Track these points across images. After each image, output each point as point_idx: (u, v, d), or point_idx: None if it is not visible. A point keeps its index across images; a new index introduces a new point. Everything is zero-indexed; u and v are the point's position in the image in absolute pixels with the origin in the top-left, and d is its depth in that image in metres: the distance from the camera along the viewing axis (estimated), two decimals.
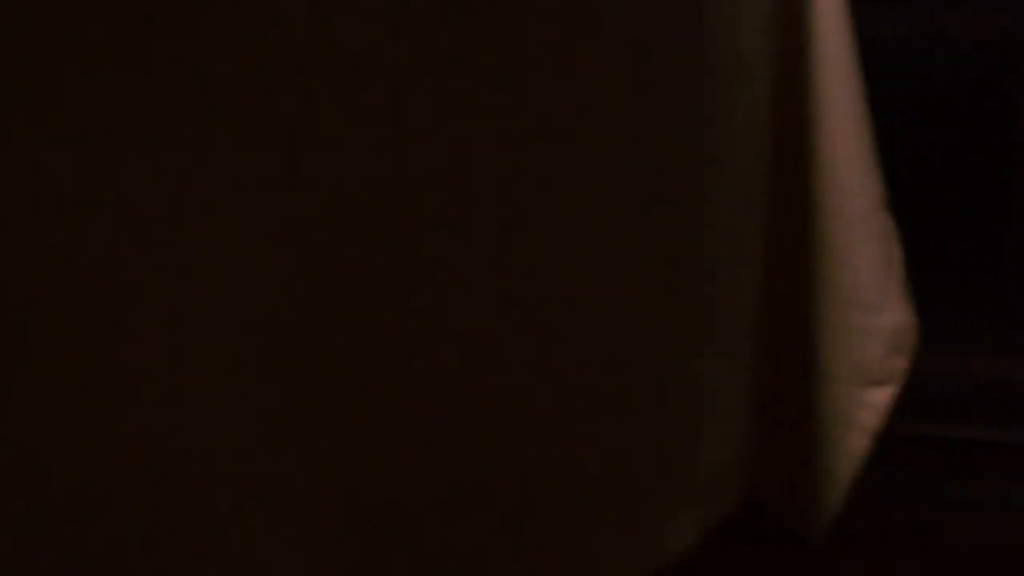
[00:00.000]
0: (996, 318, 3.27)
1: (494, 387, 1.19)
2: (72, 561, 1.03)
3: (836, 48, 1.49)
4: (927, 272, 3.38)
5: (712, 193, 1.36)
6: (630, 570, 1.34)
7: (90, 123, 0.96)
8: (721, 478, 1.45)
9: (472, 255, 1.12)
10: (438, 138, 1.07)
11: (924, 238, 3.38)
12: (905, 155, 3.40)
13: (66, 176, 0.96)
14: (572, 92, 1.17)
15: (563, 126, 1.17)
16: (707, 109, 1.33)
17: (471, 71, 1.10)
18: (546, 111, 1.15)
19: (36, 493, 1.01)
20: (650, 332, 1.32)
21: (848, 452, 1.59)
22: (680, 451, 1.36)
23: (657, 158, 1.28)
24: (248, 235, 1.00)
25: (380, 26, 1.03)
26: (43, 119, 0.94)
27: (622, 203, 1.26)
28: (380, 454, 1.14)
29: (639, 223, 1.28)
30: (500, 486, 1.24)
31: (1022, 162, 3.25)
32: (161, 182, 0.97)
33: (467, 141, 1.10)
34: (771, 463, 1.61)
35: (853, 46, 1.54)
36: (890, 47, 3.33)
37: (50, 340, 0.99)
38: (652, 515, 1.35)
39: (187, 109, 0.97)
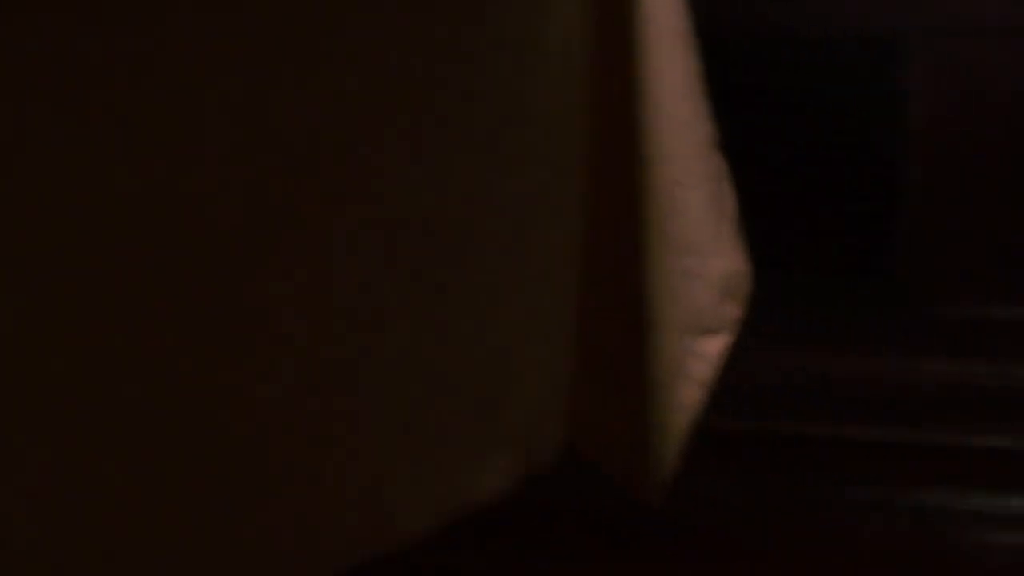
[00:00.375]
0: (887, 316, 3.22)
1: (279, 326, 1.13)
2: None
3: None
4: (818, 271, 3.35)
5: (514, 138, 1.31)
6: (429, 513, 1.28)
7: None
8: (535, 426, 1.38)
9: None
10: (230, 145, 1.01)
11: (815, 236, 3.34)
12: (795, 152, 3.36)
13: None
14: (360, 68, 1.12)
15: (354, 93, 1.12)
16: (511, 49, 1.28)
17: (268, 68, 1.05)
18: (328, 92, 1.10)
19: None
20: (451, 281, 1.26)
21: (681, 405, 1.54)
22: (484, 396, 1.30)
23: (455, 102, 1.23)
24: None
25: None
26: None
27: (427, 157, 1.21)
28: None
29: (439, 176, 1.22)
30: (291, 428, 1.17)
31: (914, 158, 3.22)
32: None
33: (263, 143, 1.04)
34: (601, 415, 1.55)
35: None
36: (782, 41, 3.30)
37: None
38: (451, 458, 1.28)
39: None
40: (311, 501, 1.19)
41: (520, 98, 1.32)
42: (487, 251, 1.32)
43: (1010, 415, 3.17)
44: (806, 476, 3.20)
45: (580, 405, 1.53)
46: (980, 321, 3.21)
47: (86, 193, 0.94)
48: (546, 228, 1.38)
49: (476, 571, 3.08)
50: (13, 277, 0.90)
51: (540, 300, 1.39)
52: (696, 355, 1.53)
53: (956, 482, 3.15)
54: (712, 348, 1.53)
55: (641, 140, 1.45)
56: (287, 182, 1.07)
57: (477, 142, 1.27)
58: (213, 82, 1.00)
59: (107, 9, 0.91)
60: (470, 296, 1.31)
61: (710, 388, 1.55)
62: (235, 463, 1.12)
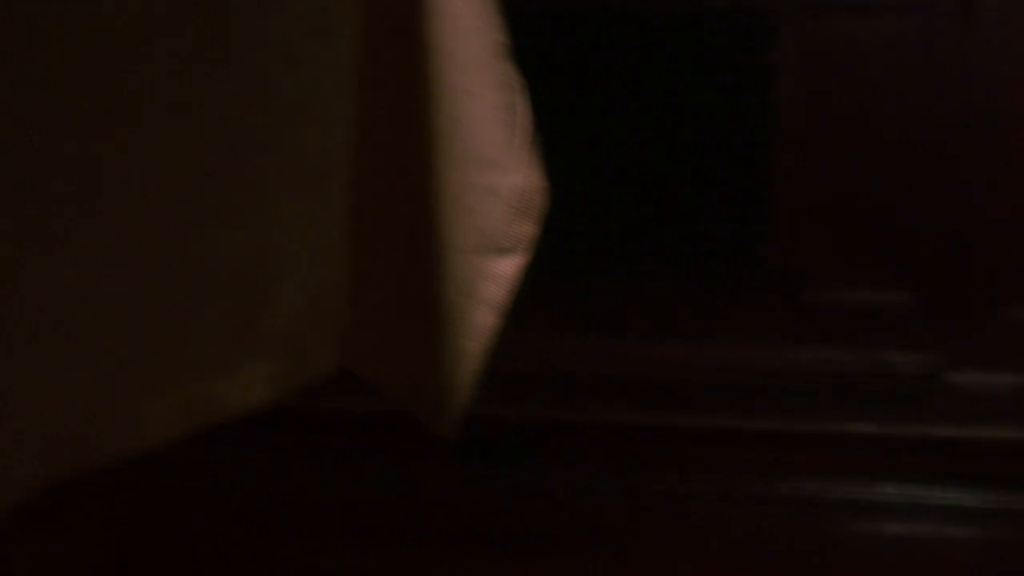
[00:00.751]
0: (756, 304, 3.17)
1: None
2: None
3: None
4: (685, 259, 3.29)
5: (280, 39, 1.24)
6: (177, 420, 1.20)
7: None
8: (300, 338, 1.31)
9: None
10: None
11: (680, 222, 3.28)
12: (658, 136, 3.31)
13: None
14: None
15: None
16: None
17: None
18: None
19: None
20: (206, 192, 1.19)
21: (474, 329, 1.46)
22: (238, 308, 1.23)
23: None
24: None
25: None
26: None
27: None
28: None
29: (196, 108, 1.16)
30: (22, 335, 1.10)
31: (782, 140, 3.17)
32: None
33: None
34: (388, 339, 1.48)
35: None
36: (642, 18, 3.25)
37: None
38: (201, 366, 1.21)
39: None
40: (37, 409, 1.12)
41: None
42: (245, 164, 1.26)
43: (878, 401, 3.12)
44: (675, 467, 3.14)
45: (364, 326, 1.45)
46: (849, 307, 3.16)
47: None
48: (308, 141, 1.31)
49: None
50: None
51: (304, 212, 1.32)
52: (489, 276, 1.46)
53: (826, 471, 3.10)
54: (505, 269, 1.46)
55: (422, 44, 1.38)
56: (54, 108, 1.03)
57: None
58: None
59: None
60: (226, 206, 1.24)
61: (503, 311, 1.47)
62: None
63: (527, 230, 1.47)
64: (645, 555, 3.00)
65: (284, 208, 1.31)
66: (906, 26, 3.08)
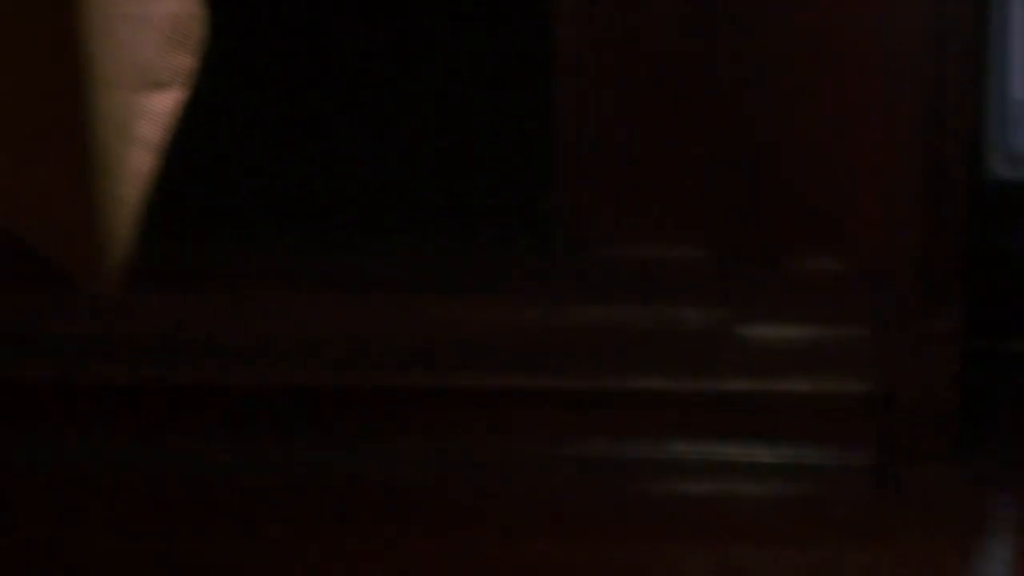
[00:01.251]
0: (541, 261, 3.09)
1: None
2: None
3: None
4: (463, 215, 3.21)
5: None
6: None
7: None
8: None
9: None
10: None
11: (458, 176, 3.20)
12: (432, 88, 3.23)
13: None
14: None
15: None
16: None
17: None
18: None
19: None
20: None
21: (130, 173, 1.35)
22: None
23: None
24: None
25: None
26: None
27: None
28: None
29: None
30: None
31: (562, 89, 3.09)
32: None
33: None
34: (36, 186, 1.36)
35: None
36: None
37: None
38: None
39: None
40: None
41: None
42: None
43: (667, 357, 3.05)
44: (459, 430, 3.04)
45: (7, 172, 1.34)
46: (635, 262, 3.09)
47: None
48: None
49: None
50: None
51: None
52: (143, 114, 1.35)
53: (615, 430, 3.02)
54: (162, 104, 1.35)
55: None
56: None
57: None
58: None
59: None
60: None
61: (161, 151, 1.36)
62: None
63: (184, 62, 1.36)
64: (432, 522, 2.89)
65: None
66: None
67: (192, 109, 1.45)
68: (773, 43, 3.03)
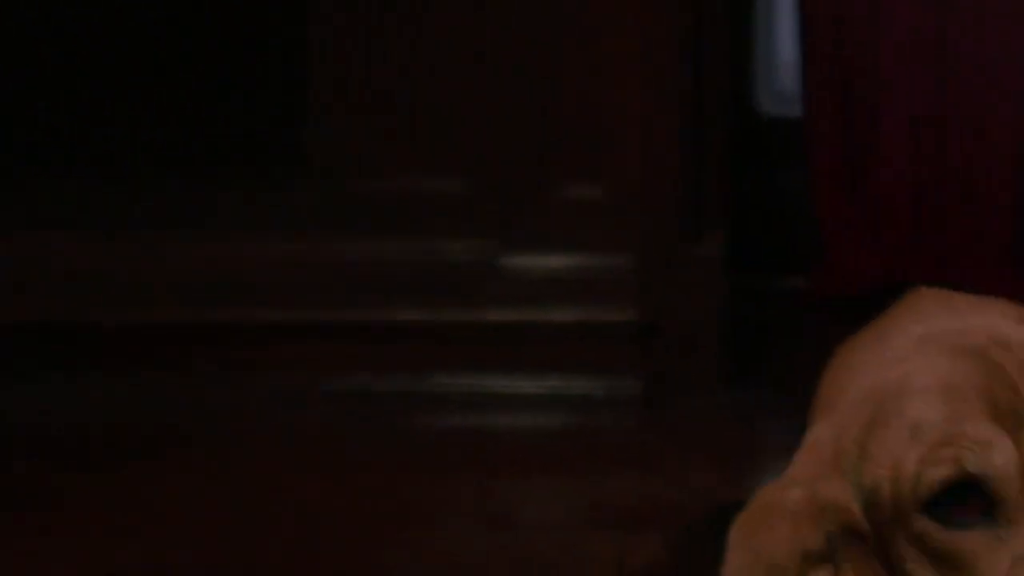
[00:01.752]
0: (300, 196, 3.02)
1: None
2: None
3: None
4: (223, 150, 3.13)
5: None
6: None
7: None
8: None
9: None
10: None
11: (216, 110, 3.12)
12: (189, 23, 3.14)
13: None
14: None
15: None
16: None
17: None
18: None
19: None
20: None
21: None
22: None
23: None
24: None
25: None
26: None
27: None
28: None
29: None
30: None
31: (314, 18, 3.03)
32: None
33: None
34: None
35: None
36: None
37: None
38: None
39: None
40: None
41: None
42: None
43: (431, 290, 3.00)
44: (228, 366, 2.96)
45: None
46: (397, 195, 3.04)
47: None
48: None
49: None
50: None
51: None
52: None
53: (379, 363, 2.97)
54: None
55: None
56: None
57: None
58: None
59: None
60: None
61: None
62: None
63: None
64: (190, 459, 2.81)
65: None
66: None
67: None
68: None
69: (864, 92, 3.35)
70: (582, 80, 2.99)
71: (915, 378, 0.96)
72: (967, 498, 0.94)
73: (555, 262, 2.99)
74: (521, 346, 2.97)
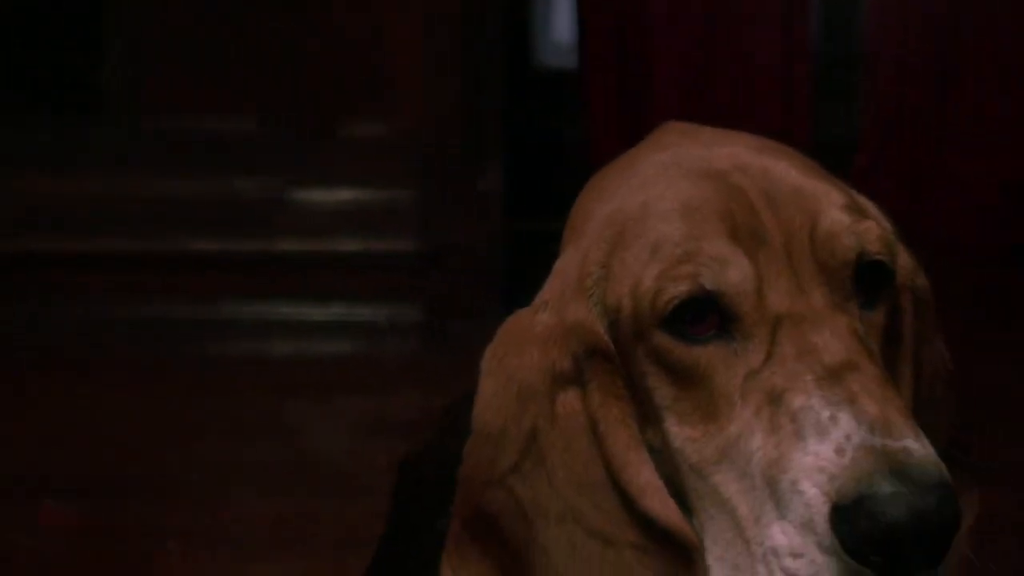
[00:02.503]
0: (97, 133, 2.93)
1: None
2: None
3: None
4: (23, 87, 3.01)
5: None
6: None
7: None
8: None
9: None
10: None
11: (13, 49, 3.00)
12: None
13: None
14: None
15: None
16: None
17: None
18: None
19: None
20: None
21: None
22: None
23: None
24: None
25: None
26: None
27: None
28: None
29: None
30: None
31: None
32: None
33: None
34: None
35: None
36: None
37: None
38: None
39: None
40: None
41: None
42: None
43: (222, 223, 2.93)
44: (26, 294, 2.85)
45: None
46: (193, 133, 2.97)
47: None
48: None
49: None
50: None
51: None
52: None
53: (173, 292, 2.90)
54: None
55: None
56: None
57: None
58: None
59: None
60: None
61: None
62: None
63: None
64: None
65: None
66: None
67: None
68: None
69: (637, 41, 3.34)
70: (365, 26, 3.01)
71: (657, 201, 0.94)
72: (705, 314, 0.91)
73: (341, 196, 2.99)
74: (309, 275, 2.92)
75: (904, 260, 0.99)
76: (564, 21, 3.62)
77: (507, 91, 3.14)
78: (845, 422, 0.85)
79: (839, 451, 0.84)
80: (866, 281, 0.93)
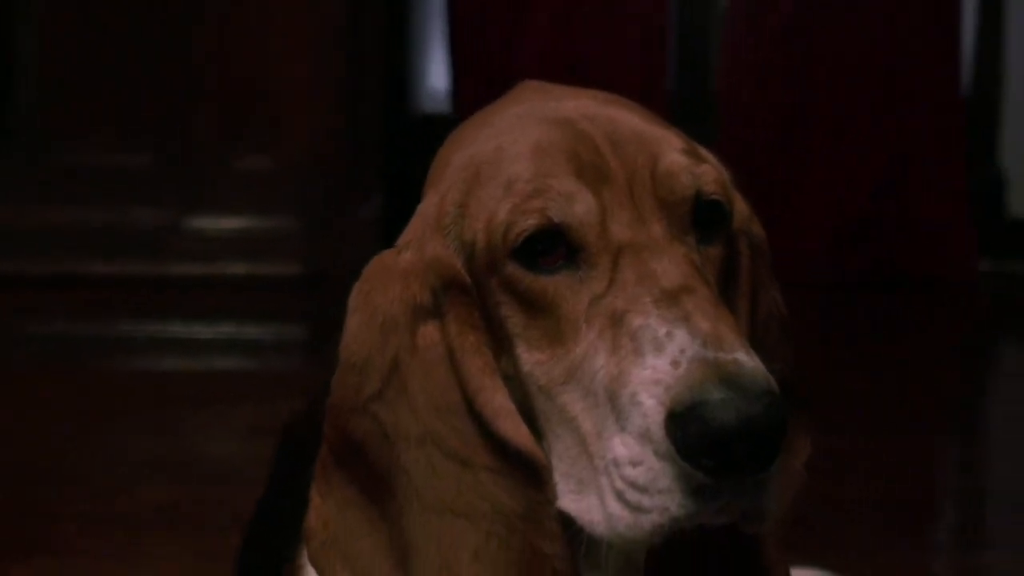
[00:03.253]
0: (5, 167, 2.89)
1: None
2: None
3: None
4: None
5: None
6: None
7: None
8: None
9: None
10: None
11: None
12: None
13: None
14: None
15: None
16: None
17: None
18: None
19: None
20: None
21: None
22: None
23: None
24: None
25: None
26: None
27: None
28: None
29: None
30: None
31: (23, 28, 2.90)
32: None
33: None
34: None
35: None
36: None
37: None
38: None
39: None
40: None
41: None
42: None
43: (121, 251, 2.90)
44: None
45: None
46: (95, 167, 2.95)
47: None
48: None
49: None
50: None
51: None
52: None
53: (74, 311, 2.86)
54: None
55: None
56: None
57: None
58: None
59: None
60: None
61: None
62: None
63: None
64: None
65: None
66: None
67: None
68: None
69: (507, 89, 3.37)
70: (253, 66, 3.01)
71: (510, 145, 0.95)
72: (553, 247, 0.91)
73: (231, 224, 2.97)
74: (200, 297, 2.90)
75: (740, 206, 1.00)
76: (439, 71, 3.65)
77: (386, 131, 3.17)
78: (680, 338, 0.85)
79: (674, 364, 0.84)
80: (704, 220, 0.93)
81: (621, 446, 0.86)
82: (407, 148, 3.48)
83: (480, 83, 3.33)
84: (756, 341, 0.98)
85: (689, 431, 0.82)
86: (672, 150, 0.94)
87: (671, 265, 0.89)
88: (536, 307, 0.92)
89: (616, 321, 0.88)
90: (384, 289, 0.96)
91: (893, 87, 3.58)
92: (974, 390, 2.99)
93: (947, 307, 3.55)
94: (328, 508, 0.97)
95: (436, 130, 3.41)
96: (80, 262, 2.92)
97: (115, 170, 2.98)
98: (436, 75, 3.68)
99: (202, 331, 2.93)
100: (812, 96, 3.55)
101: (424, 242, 0.95)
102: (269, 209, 2.99)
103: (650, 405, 0.84)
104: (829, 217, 3.55)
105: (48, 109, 3.00)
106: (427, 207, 0.97)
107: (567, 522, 0.91)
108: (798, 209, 3.52)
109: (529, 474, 0.92)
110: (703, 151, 0.99)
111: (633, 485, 0.85)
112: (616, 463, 0.86)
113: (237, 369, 2.90)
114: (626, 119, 0.95)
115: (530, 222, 0.90)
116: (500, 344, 0.94)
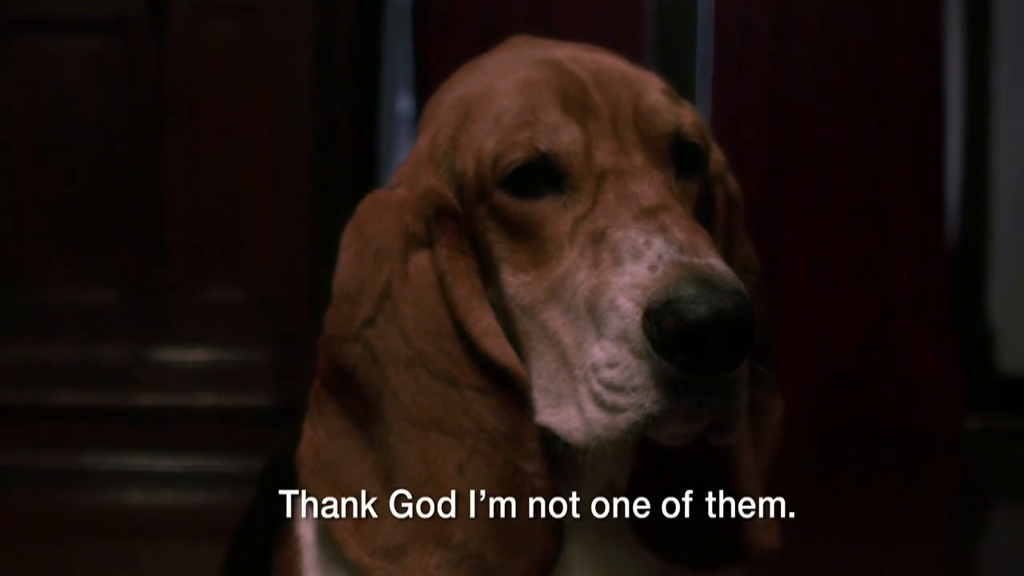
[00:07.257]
0: None
1: None
2: None
3: None
4: None
5: None
6: None
7: None
8: None
9: None
10: None
11: None
12: None
13: None
14: None
15: None
16: None
17: None
18: None
19: None
20: None
21: None
22: None
23: None
24: None
25: None
26: None
27: None
28: None
29: None
30: None
31: None
32: None
33: None
34: None
35: None
36: None
37: None
38: None
39: None
40: None
41: None
42: None
43: (87, 384, 3.01)
44: None
45: None
46: (59, 304, 3.08)
47: None
48: None
49: None
50: None
51: None
52: None
53: (39, 442, 2.94)
54: None
55: None
56: None
57: None
58: None
59: None
60: None
61: None
62: None
63: None
64: None
65: None
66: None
67: None
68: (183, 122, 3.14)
69: None
70: (222, 201, 3.12)
71: (500, 83, 1.05)
72: (540, 177, 1.03)
73: (200, 355, 3.06)
74: (167, 428, 2.98)
75: (717, 155, 1.09)
76: None
77: None
78: (658, 245, 0.93)
79: (652, 268, 0.93)
80: (682, 159, 1.03)
81: (599, 351, 0.94)
82: None
83: None
84: None
85: (664, 325, 0.91)
86: (654, 90, 1.04)
87: (650, 188, 0.98)
88: (522, 232, 1.01)
89: (597, 238, 0.97)
90: (378, 220, 1.04)
91: (878, 240, 3.69)
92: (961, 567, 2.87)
93: (935, 462, 3.55)
94: (319, 437, 1.07)
95: None
96: (45, 394, 3.01)
97: (81, 307, 3.10)
98: None
99: (167, 464, 3.00)
100: (794, 248, 3.66)
101: (417, 176, 1.06)
102: (237, 340, 3.08)
103: (628, 307, 0.93)
104: (813, 370, 3.64)
105: (10, 247, 3.13)
106: (420, 145, 1.08)
107: (548, 441, 0.99)
108: (781, 362, 3.62)
109: (512, 393, 0.99)
110: (684, 100, 1.11)
111: (610, 386, 0.93)
112: (595, 367, 0.94)
113: (201, 503, 2.96)
114: (611, 62, 1.06)
115: (519, 155, 1.00)
116: (487, 272, 1.02)
